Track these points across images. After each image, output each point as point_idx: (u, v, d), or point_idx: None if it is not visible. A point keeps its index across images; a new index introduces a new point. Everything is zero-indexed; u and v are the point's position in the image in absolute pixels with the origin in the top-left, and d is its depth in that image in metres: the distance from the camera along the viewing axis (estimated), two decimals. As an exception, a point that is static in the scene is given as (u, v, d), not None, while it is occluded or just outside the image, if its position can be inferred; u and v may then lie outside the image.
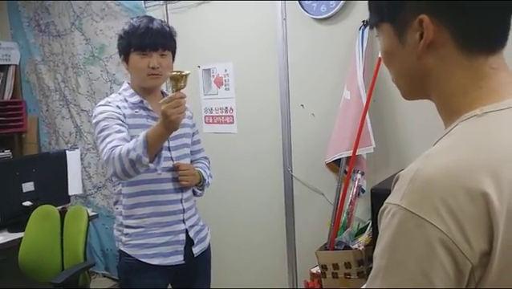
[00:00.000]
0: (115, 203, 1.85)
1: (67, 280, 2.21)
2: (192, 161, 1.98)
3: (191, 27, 2.90)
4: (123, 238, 1.80)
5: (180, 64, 3.06)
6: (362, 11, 2.22)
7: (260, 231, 2.82)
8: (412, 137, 2.21)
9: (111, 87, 3.42)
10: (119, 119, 1.71)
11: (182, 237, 1.82)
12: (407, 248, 0.58)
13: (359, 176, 2.24)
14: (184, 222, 1.83)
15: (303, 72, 2.53)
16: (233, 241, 2.95)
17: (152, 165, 1.59)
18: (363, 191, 2.27)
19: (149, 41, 1.71)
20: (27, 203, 2.76)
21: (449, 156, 0.61)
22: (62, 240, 2.59)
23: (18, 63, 3.96)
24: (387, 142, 2.27)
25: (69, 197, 3.04)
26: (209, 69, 2.89)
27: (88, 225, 2.52)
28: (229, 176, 2.89)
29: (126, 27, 1.76)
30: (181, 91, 1.52)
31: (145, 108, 1.79)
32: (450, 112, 0.69)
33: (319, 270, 2.22)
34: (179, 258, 1.82)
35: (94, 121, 1.74)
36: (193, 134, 1.98)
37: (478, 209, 0.56)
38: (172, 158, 1.80)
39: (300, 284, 2.61)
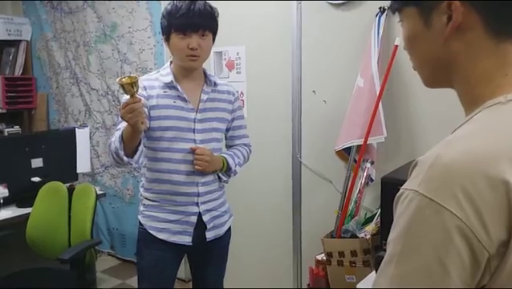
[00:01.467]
0: (143, 175, 1.88)
1: (73, 257, 2.23)
2: (230, 146, 1.99)
3: (204, 8, 2.86)
4: (141, 208, 1.87)
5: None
6: (379, -2, 2.18)
7: (266, 216, 2.82)
8: (424, 128, 2.18)
9: (121, 67, 3.41)
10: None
11: (193, 219, 1.82)
12: (423, 235, 0.57)
13: (368, 165, 2.23)
14: (198, 206, 1.82)
15: (316, 58, 2.50)
16: (239, 225, 2.94)
17: (126, 159, 1.64)
18: (372, 180, 2.26)
19: (189, 22, 1.69)
20: (36, 179, 2.77)
21: (471, 142, 0.60)
22: (69, 217, 2.60)
23: (29, 39, 3.95)
24: (398, 132, 2.24)
25: (77, 174, 3.06)
26: (221, 52, 2.86)
27: (96, 203, 2.53)
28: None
29: (168, 7, 1.74)
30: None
31: (175, 88, 1.79)
32: (473, 100, 0.67)
33: (325, 258, 2.22)
34: (186, 239, 1.82)
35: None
36: (233, 119, 1.94)
37: (498, 197, 0.55)
38: (195, 140, 1.79)
39: (305, 270, 2.61)
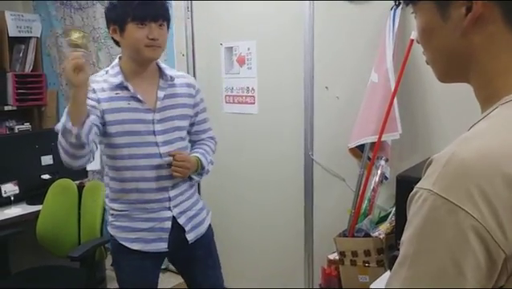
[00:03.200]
0: (107, 185, 1.79)
1: (83, 254, 2.22)
2: (195, 141, 1.90)
3: (214, 4, 2.83)
4: (110, 218, 1.78)
5: (202, 41, 3.03)
6: (394, -9, 2.12)
7: (278, 214, 2.79)
8: (441, 125, 2.13)
9: (131, 63, 3.38)
10: (92, 107, 1.61)
11: (167, 224, 1.74)
12: (437, 235, 0.55)
13: (382, 162, 2.18)
14: (171, 210, 1.74)
15: (329, 53, 2.45)
16: (251, 222, 2.92)
17: (75, 130, 1.48)
18: (387, 178, 2.21)
19: (149, 11, 1.61)
20: (46, 176, 2.78)
21: (487, 140, 0.58)
22: (79, 214, 2.60)
23: (39, 36, 3.94)
24: (414, 129, 2.19)
25: (87, 172, 3.05)
26: (232, 47, 2.83)
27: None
28: (248, 158, 2.85)
29: None
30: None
31: (127, 89, 1.67)
32: (490, 95, 0.65)
33: (337, 257, 2.19)
34: (162, 246, 1.74)
35: None
36: (197, 113, 1.85)
37: None
38: (157, 143, 1.69)
39: (316, 270, 2.57)
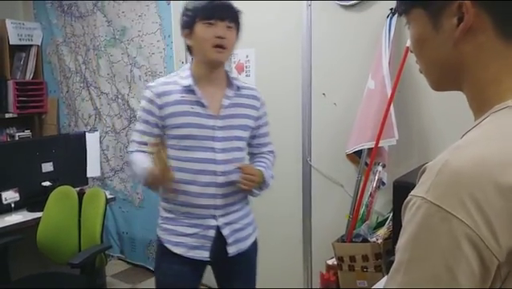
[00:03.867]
0: None
1: (83, 261, 2.22)
2: (255, 154, 1.89)
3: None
4: (159, 221, 1.79)
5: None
6: (390, -1, 2.15)
7: (276, 220, 2.80)
8: (437, 131, 2.15)
9: (131, 70, 3.41)
10: (151, 114, 1.69)
11: (211, 233, 1.71)
12: (431, 242, 0.56)
13: (380, 168, 2.20)
14: (216, 219, 1.71)
15: (326, 60, 2.48)
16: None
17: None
18: (384, 184, 2.23)
19: (216, 8, 1.63)
20: (46, 183, 2.79)
21: (479, 148, 0.59)
22: (79, 221, 2.61)
23: (40, 44, 3.98)
24: (411, 134, 2.21)
25: (87, 178, 3.07)
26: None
27: (106, 207, 2.52)
28: (247, 163, 2.86)
29: (192, 1, 1.68)
30: None
31: (193, 93, 1.68)
32: (482, 104, 0.65)
33: (336, 262, 2.20)
34: (204, 254, 1.71)
35: (140, 105, 1.77)
36: (259, 126, 1.84)
37: (508, 204, 0.54)
38: (214, 149, 1.68)
39: (315, 275, 2.58)
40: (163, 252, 1.76)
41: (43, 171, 2.83)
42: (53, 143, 3.07)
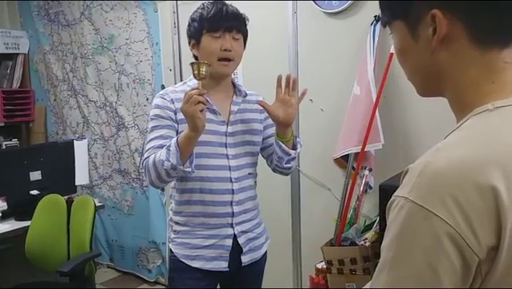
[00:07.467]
0: (171, 197, 1.76)
1: (73, 269, 2.22)
2: (271, 154, 1.80)
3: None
4: (172, 235, 1.73)
5: (189, 57, 3.06)
6: (374, 6, 2.20)
7: (266, 224, 2.81)
8: (421, 134, 2.19)
9: (119, 78, 3.42)
10: (169, 118, 1.62)
11: (229, 242, 1.67)
12: (414, 241, 0.58)
13: (366, 172, 2.24)
14: (233, 227, 1.67)
15: (313, 67, 2.51)
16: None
17: (188, 169, 1.51)
18: (371, 188, 2.26)
19: (223, 21, 1.60)
20: (34, 192, 2.76)
21: (459, 149, 0.61)
22: (68, 229, 2.59)
23: (26, 52, 3.97)
24: (396, 139, 2.25)
25: (76, 187, 3.05)
26: (218, 62, 2.87)
27: (95, 215, 2.52)
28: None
29: (199, 10, 1.64)
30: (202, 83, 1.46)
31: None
32: (462, 107, 0.68)
33: (325, 266, 2.22)
34: (223, 265, 1.67)
35: (150, 113, 1.66)
36: (265, 128, 1.80)
37: (487, 203, 0.56)
38: (227, 156, 1.66)
39: (305, 279, 2.60)
40: (177, 267, 1.70)
41: (31, 179, 2.81)
42: (41, 151, 3.05)
